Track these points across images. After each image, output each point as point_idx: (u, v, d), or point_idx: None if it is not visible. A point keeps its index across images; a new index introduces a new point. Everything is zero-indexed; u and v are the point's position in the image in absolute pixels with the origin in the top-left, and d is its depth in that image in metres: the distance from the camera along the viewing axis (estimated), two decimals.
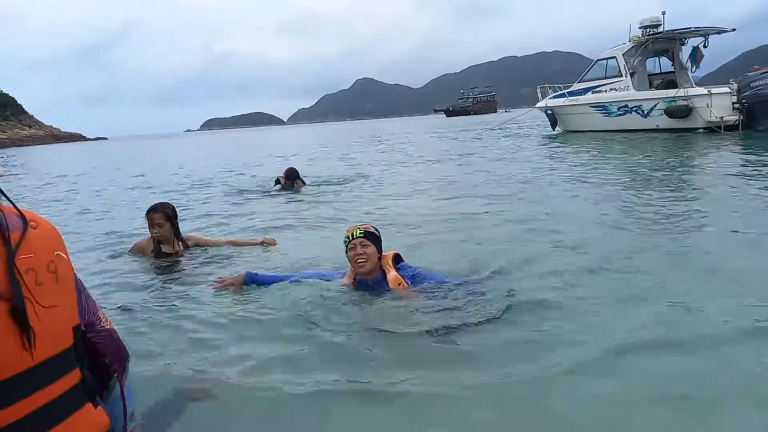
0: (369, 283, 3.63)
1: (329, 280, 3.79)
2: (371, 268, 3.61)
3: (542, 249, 4.86)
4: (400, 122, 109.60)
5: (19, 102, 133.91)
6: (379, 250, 3.70)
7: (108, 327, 1.27)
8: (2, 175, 18.15)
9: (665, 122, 18.64)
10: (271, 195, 9.46)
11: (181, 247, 5.07)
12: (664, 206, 6.53)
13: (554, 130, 24.07)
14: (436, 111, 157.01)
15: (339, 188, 9.92)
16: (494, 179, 10.00)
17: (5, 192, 1.07)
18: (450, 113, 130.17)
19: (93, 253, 5.66)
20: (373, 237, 3.67)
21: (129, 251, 5.31)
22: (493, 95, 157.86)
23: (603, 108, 21.12)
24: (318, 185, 10.22)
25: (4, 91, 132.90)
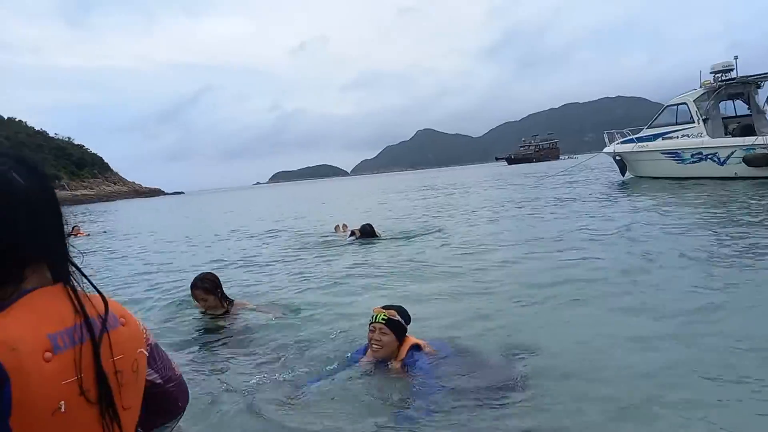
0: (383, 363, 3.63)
1: (352, 362, 3.78)
2: (384, 356, 3.59)
3: (604, 317, 4.54)
4: (462, 171, 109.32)
5: (105, 161, 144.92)
6: (399, 338, 3.61)
7: (178, 373, 1.28)
8: (81, 234, 18.41)
9: (744, 170, 17.71)
10: (346, 248, 9.65)
11: (228, 314, 5.13)
12: (752, 265, 5.94)
13: (623, 176, 23.55)
14: (497, 159, 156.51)
15: (410, 241, 9.95)
16: (566, 230, 9.65)
17: (89, 276, 1.04)
18: (512, 161, 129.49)
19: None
20: (394, 325, 3.58)
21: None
22: (556, 142, 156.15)
23: (675, 155, 20.48)
24: (390, 239, 10.28)
25: (92, 151, 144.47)
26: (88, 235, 18.77)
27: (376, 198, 30.43)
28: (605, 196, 16.54)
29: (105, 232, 20.78)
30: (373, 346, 3.57)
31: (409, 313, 3.77)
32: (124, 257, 11.86)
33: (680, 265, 6.20)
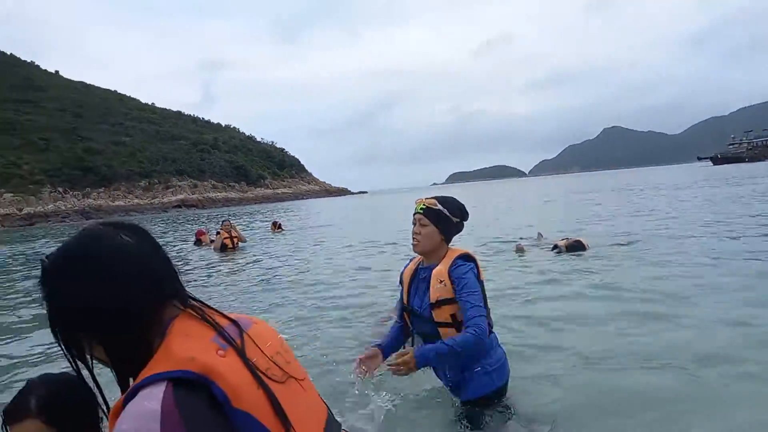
0: (425, 270, 3.15)
1: None
2: (422, 251, 3.10)
3: None
4: (657, 172, 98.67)
5: (302, 162, 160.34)
6: (444, 232, 3.06)
7: None
8: (280, 230, 20.26)
9: None
10: (551, 258, 8.83)
11: None
12: None
13: None
14: (700, 159, 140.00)
15: (614, 252, 8.81)
16: None
17: None
18: (718, 161, 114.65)
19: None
20: (433, 215, 3.05)
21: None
22: None
23: None
24: (596, 250, 9.17)
25: (291, 154, 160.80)
26: (281, 229, 20.45)
27: (562, 201, 28.54)
28: None
29: (330, 225, 22.76)
30: (413, 240, 3.12)
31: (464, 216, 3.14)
32: (338, 251, 13.21)
33: None
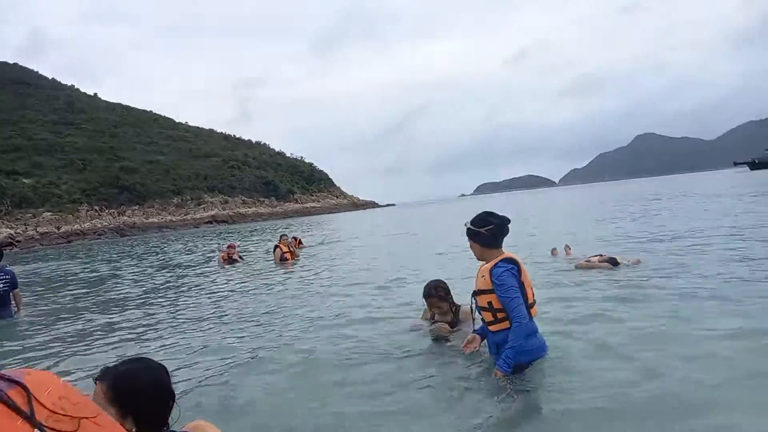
0: None
1: None
2: (478, 259, 4.10)
3: None
4: (693, 179, 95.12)
5: (330, 176, 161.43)
6: (480, 242, 3.99)
7: None
8: (303, 246, 19.21)
9: None
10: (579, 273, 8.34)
11: (452, 318, 5.24)
12: None
13: None
14: (736, 164, 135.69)
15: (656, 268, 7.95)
16: None
17: None
18: (756, 166, 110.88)
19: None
20: (468, 233, 4.04)
21: (422, 316, 5.71)
22: None
23: None
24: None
25: (319, 168, 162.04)
26: (305, 246, 19.49)
27: (587, 213, 26.91)
28: None
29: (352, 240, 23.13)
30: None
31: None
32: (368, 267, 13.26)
33: None
